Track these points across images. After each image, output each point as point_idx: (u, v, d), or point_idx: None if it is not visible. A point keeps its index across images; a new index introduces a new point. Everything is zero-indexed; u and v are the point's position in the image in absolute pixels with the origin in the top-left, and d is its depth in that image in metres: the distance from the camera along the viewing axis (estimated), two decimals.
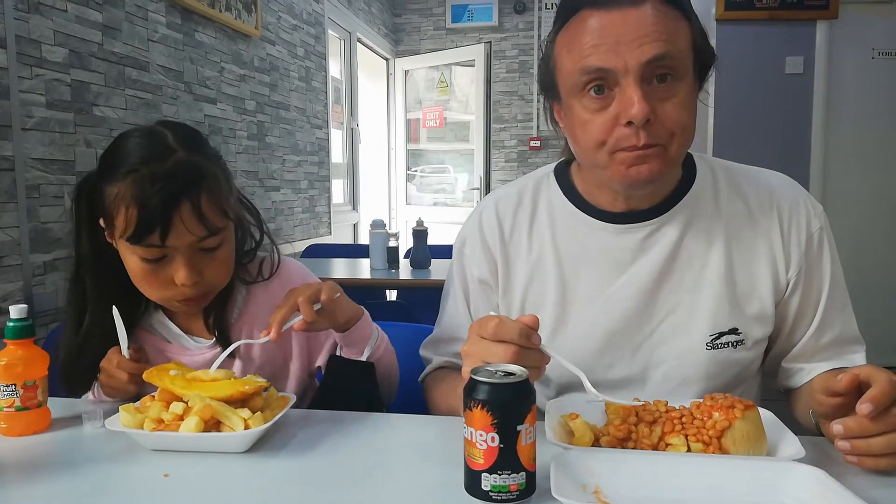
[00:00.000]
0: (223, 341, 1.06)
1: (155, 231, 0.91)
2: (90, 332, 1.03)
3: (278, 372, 1.12)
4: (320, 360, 1.14)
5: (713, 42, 0.93)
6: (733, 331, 0.95)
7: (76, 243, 1.03)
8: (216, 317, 1.07)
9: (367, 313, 1.06)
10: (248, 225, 1.10)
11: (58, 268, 2.02)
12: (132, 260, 0.96)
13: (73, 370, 1.04)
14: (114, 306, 0.96)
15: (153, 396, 0.88)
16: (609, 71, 0.84)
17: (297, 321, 0.94)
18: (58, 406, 0.97)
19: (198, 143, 1.00)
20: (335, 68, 4.77)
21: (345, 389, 1.03)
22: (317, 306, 0.94)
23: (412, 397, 1.13)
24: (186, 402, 0.84)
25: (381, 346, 1.07)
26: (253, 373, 0.95)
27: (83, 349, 1.03)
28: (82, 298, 1.04)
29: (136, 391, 0.99)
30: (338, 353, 1.07)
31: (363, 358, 1.04)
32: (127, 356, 0.97)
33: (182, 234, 0.93)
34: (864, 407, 0.70)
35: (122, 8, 2.31)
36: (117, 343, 0.98)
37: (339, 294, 0.97)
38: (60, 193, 2.03)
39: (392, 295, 3.06)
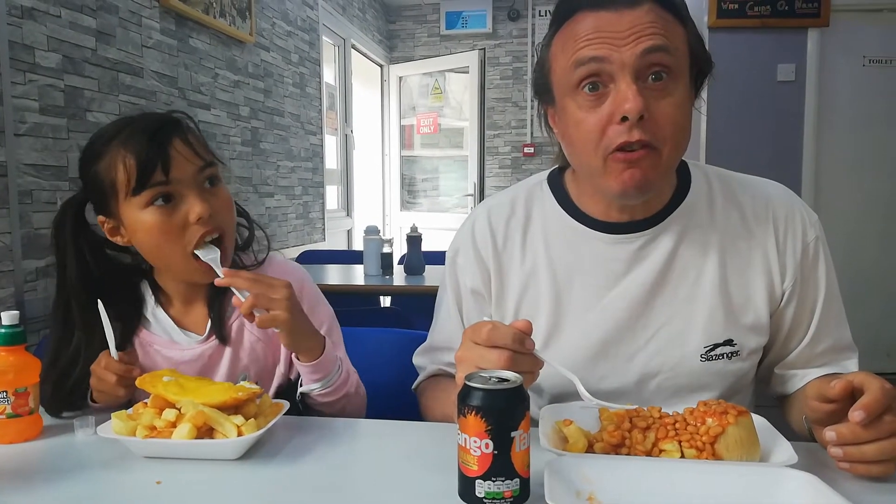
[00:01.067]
0: (218, 330, 1.06)
1: (157, 167, 0.95)
2: (77, 354, 1.02)
3: (264, 373, 1.11)
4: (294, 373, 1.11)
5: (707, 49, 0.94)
6: (728, 342, 0.95)
7: (59, 272, 1.04)
8: (215, 303, 1.07)
9: (330, 349, 1.02)
10: (237, 226, 1.10)
11: (50, 274, 2.00)
12: (144, 218, 0.97)
13: (60, 390, 1.01)
14: (98, 301, 0.96)
15: (146, 403, 0.87)
16: (603, 61, 0.84)
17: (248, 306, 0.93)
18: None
19: (175, 111, 1.06)
20: (329, 74, 4.77)
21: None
22: (259, 312, 0.92)
23: (406, 404, 1.13)
24: (179, 409, 0.84)
25: (340, 389, 1.03)
26: (240, 367, 0.96)
27: (68, 373, 1.01)
28: (66, 326, 1.03)
29: (127, 396, 0.98)
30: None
31: (310, 390, 1.01)
32: (116, 357, 0.96)
33: (182, 164, 0.97)
34: (856, 414, 0.70)
35: (115, 14, 2.31)
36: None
37: (285, 314, 0.93)
38: (53, 199, 2.02)
39: (386, 301, 3.06)
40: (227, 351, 1.08)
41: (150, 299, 1.09)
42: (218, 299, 1.08)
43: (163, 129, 0.98)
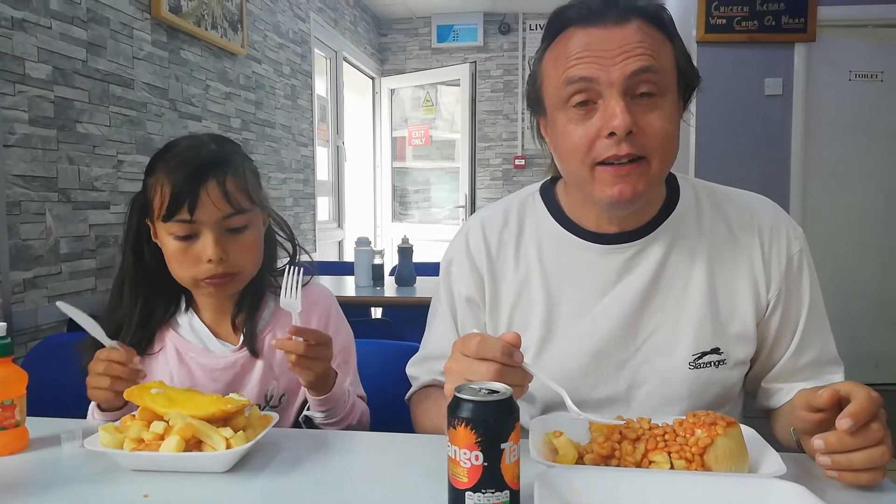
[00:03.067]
0: (249, 342, 1.10)
1: (184, 206, 1.00)
2: (118, 330, 1.10)
3: (292, 384, 1.14)
4: None
5: (694, 64, 0.96)
6: (715, 350, 0.96)
7: (122, 252, 1.13)
8: (246, 317, 1.11)
9: (340, 385, 1.06)
10: (278, 237, 1.19)
11: (37, 285, 1.99)
12: (167, 242, 1.04)
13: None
14: (59, 302, 0.96)
15: (134, 416, 0.87)
16: (592, 81, 0.86)
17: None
18: (36, 426, 0.96)
19: (231, 142, 1.13)
20: (321, 86, 4.79)
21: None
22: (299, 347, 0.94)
23: (397, 416, 1.12)
24: (167, 422, 0.83)
25: (344, 420, 1.07)
26: (271, 378, 1.01)
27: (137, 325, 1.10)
28: (119, 301, 1.12)
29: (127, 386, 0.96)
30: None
31: (314, 416, 1.06)
32: (114, 345, 0.97)
33: (209, 209, 1.01)
34: (843, 422, 0.70)
35: (107, 25, 2.31)
36: (143, 346, 1.09)
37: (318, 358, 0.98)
38: (41, 210, 2.01)
39: (377, 313, 3.05)
40: (259, 363, 1.11)
41: (186, 306, 1.15)
42: (246, 312, 1.11)
43: (205, 167, 1.02)
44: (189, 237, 1.03)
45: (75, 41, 2.15)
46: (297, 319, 0.97)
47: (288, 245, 1.20)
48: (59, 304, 0.95)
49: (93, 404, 1.07)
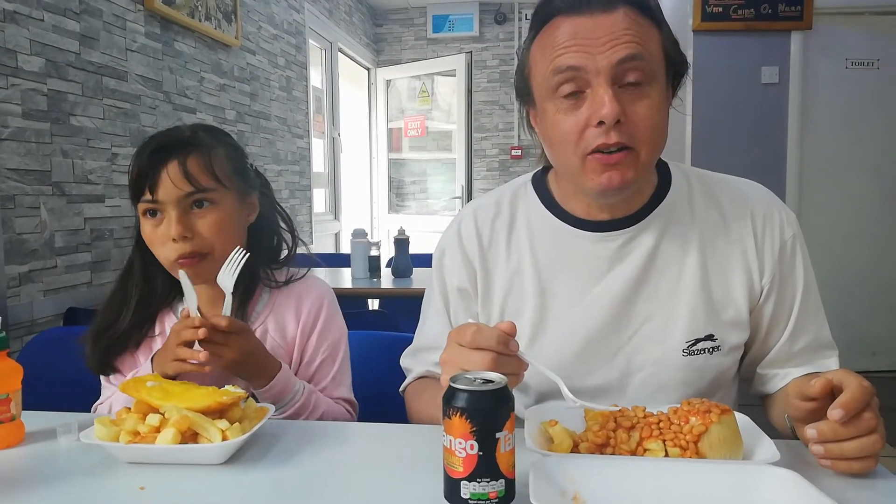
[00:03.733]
0: None
1: (146, 186, 1.03)
2: (118, 314, 1.12)
3: None
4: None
5: (690, 53, 0.96)
6: (709, 337, 0.96)
7: (136, 234, 1.14)
8: (238, 307, 1.11)
9: (284, 377, 1.05)
10: (280, 231, 1.20)
11: (33, 279, 1.99)
12: (142, 223, 1.08)
13: (102, 337, 1.11)
14: (182, 271, 1.03)
15: (129, 409, 0.87)
16: (580, 70, 0.86)
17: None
18: (32, 420, 0.96)
19: (212, 129, 1.14)
20: (316, 78, 4.77)
21: None
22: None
23: (393, 407, 1.13)
24: (163, 414, 0.83)
25: (296, 416, 1.05)
26: None
27: (105, 329, 1.11)
28: (125, 285, 1.14)
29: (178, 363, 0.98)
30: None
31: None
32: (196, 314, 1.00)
33: (168, 187, 1.03)
34: (835, 413, 0.71)
35: (100, 18, 2.29)
36: (143, 328, 1.12)
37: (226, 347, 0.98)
38: (36, 204, 2.01)
39: (374, 304, 3.06)
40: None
41: (191, 298, 1.14)
42: (237, 302, 1.11)
43: (167, 147, 1.05)
44: (156, 216, 1.05)
45: (68, 33, 2.14)
46: (228, 302, 1.00)
47: (288, 237, 1.20)
48: (181, 273, 1.02)
49: (105, 396, 1.12)
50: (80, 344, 1.11)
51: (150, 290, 1.14)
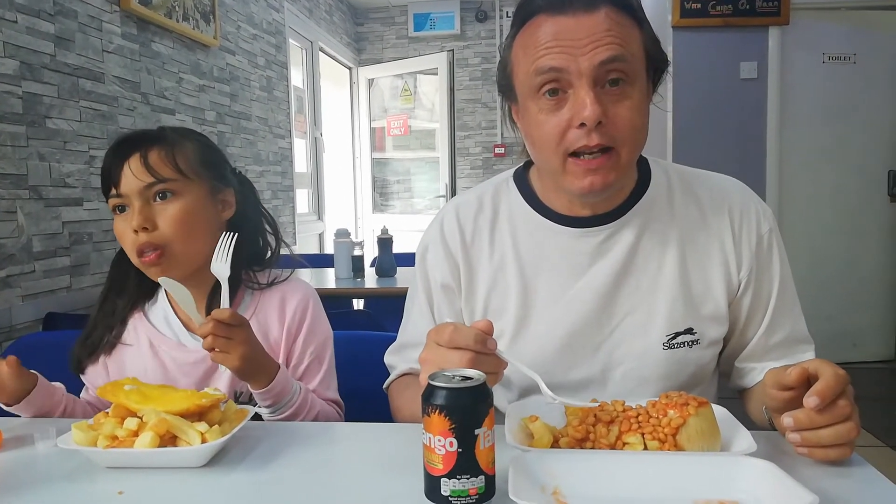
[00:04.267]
0: None
1: (109, 180, 1.06)
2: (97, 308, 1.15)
3: None
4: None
5: (669, 48, 0.96)
6: (689, 331, 0.97)
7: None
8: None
9: (283, 376, 1.03)
10: (266, 233, 1.20)
11: (10, 284, 1.96)
12: (114, 219, 1.09)
13: (88, 337, 1.14)
14: (161, 280, 1.01)
15: (107, 413, 0.86)
16: (562, 71, 0.86)
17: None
18: (9, 426, 0.95)
19: (185, 129, 1.16)
20: (297, 77, 4.75)
21: None
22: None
23: (378, 407, 1.12)
24: (141, 418, 0.82)
25: (292, 418, 1.04)
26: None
27: (98, 318, 1.14)
28: (109, 283, 1.17)
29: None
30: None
31: (261, 410, 1.04)
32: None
33: (130, 180, 1.05)
34: (811, 400, 0.72)
35: (74, 19, 2.27)
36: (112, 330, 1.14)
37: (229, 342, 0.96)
38: (13, 208, 1.98)
39: (359, 304, 3.05)
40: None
41: (164, 303, 1.15)
42: (218, 305, 1.08)
43: (130, 142, 1.07)
44: (125, 211, 1.07)
45: (42, 35, 2.11)
46: (225, 291, 0.99)
47: (272, 239, 1.20)
48: (161, 279, 1.01)
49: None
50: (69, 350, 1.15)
51: (119, 288, 1.15)
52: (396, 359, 1.10)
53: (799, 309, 1.02)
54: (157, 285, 1.16)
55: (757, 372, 1.01)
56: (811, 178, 3.84)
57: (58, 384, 1.08)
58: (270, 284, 1.16)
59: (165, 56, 2.84)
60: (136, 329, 1.14)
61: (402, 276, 2.70)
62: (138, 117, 2.62)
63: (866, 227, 3.89)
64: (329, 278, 2.74)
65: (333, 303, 2.71)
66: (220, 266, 1.00)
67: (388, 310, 2.25)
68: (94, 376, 1.14)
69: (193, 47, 3.08)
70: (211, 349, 0.95)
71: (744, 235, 0.99)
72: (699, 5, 3.68)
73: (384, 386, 1.11)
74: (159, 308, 1.15)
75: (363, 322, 2.04)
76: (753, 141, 3.77)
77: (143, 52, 2.67)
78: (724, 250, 0.99)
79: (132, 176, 1.04)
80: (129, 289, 1.15)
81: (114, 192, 1.06)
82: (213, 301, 1.11)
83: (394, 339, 1.14)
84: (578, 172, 0.89)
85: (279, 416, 1.03)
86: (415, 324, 1.09)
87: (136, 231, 1.04)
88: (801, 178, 3.83)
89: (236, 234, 1.03)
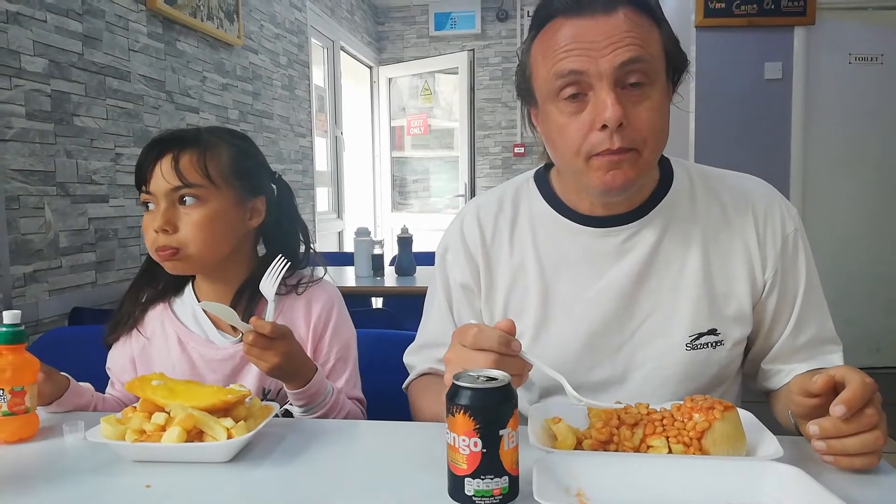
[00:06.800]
0: None
1: (141, 177, 1.08)
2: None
3: None
4: None
5: (693, 49, 0.96)
6: (712, 331, 0.96)
7: None
8: (244, 310, 1.11)
9: (319, 383, 1.05)
10: (298, 242, 1.22)
11: (38, 279, 2.00)
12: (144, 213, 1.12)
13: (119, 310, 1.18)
14: (201, 303, 1.09)
15: (135, 407, 0.87)
16: (582, 74, 0.86)
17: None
18: (41, 417, 0.96)
19: (220, 129, 1.18)
20: (318, 76, 4.77)
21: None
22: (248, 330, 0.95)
23: (397, 405, 1.13)
24: (168, 413, 0.84)
25: (325, 417, 1.06)
26: None
27: (128, 296, 1.19)
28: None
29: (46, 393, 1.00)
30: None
31: (294, 410, 1.06)
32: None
33: (159, 180, 1.07)
34: (837, 409, 0.71)
35: (102, 18, 2.30)
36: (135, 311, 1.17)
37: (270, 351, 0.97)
38: (41, 205, 2.01)
39: (378, 302, 3.06)
40: None
41: (192, 299, 1.17)
42: (244, 304, 1.11)
43: (165, 143, 1.09)
44: (148, 206, 1.09)
45: (70, 34, 2.15)
46: (271, 308, 0.99)
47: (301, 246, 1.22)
48: (203, 303, 1.06)
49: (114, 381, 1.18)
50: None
51: (150, 277, 1.18)
52: (416, 359, 1.11)
53: (826, 309, 1.01)
54: (187, 279, 1.18)
55: (784, 374, 1.00)
56: (836, 181, 3.79)
57: (86, 384, 1.09)
58: (298, 286, 1.17)
59: (190, 55, 2.87)
60: (164, 325, 1.15)
61: (422, 275, 2.70)
62: (163, 115, 2.65)
63: (890, 231, 3.83)
64: (349, 276, 2.76)
65: (353, 301, 2.71)
66: (269, 287, 1.01)
67: (407, 308, 2.25)
68: (122, 372, 1.16)
69: (217, 46, 3.11)
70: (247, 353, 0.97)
71: (768, 236, 0.98)
72: (723, 5, 3.65)
73: (403, 386, 1.12)
74: (187, 304, 1.17)
75: (382, 320, 2.05)
76: (777, 142, 3.73)
77: (169, 50, 2.71)
78: (748, 250, 0.98)
79: (161, 177, 1.06)
80: (161, 278, 1.18)
81: (144, 189, 1.09)
82: (237, 301, 1.12)
83: (413, 337, 1.14)
84: (601, 168, 0.88)
85: (311, 416, 1.05)
86: (434, 324, 1.09)
87: (156, 231, 1.06)
88: (826, 180, 3.78)
89: (289, 264, 1.05)
